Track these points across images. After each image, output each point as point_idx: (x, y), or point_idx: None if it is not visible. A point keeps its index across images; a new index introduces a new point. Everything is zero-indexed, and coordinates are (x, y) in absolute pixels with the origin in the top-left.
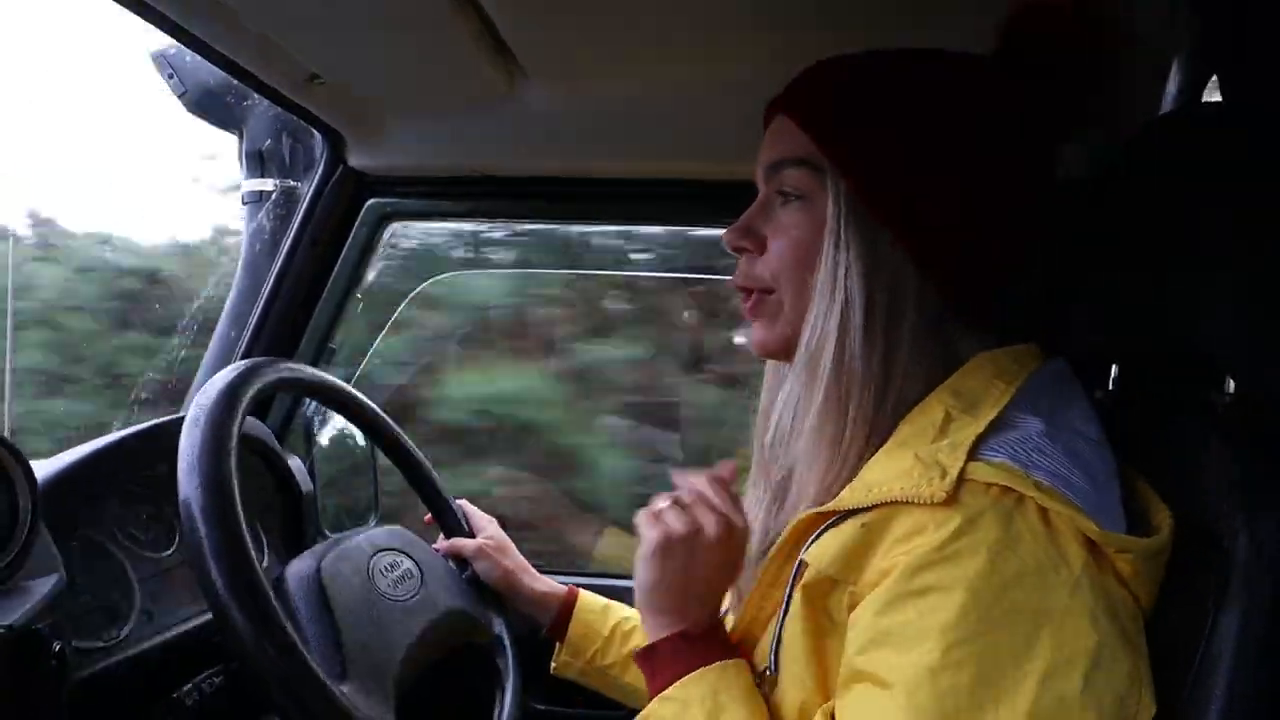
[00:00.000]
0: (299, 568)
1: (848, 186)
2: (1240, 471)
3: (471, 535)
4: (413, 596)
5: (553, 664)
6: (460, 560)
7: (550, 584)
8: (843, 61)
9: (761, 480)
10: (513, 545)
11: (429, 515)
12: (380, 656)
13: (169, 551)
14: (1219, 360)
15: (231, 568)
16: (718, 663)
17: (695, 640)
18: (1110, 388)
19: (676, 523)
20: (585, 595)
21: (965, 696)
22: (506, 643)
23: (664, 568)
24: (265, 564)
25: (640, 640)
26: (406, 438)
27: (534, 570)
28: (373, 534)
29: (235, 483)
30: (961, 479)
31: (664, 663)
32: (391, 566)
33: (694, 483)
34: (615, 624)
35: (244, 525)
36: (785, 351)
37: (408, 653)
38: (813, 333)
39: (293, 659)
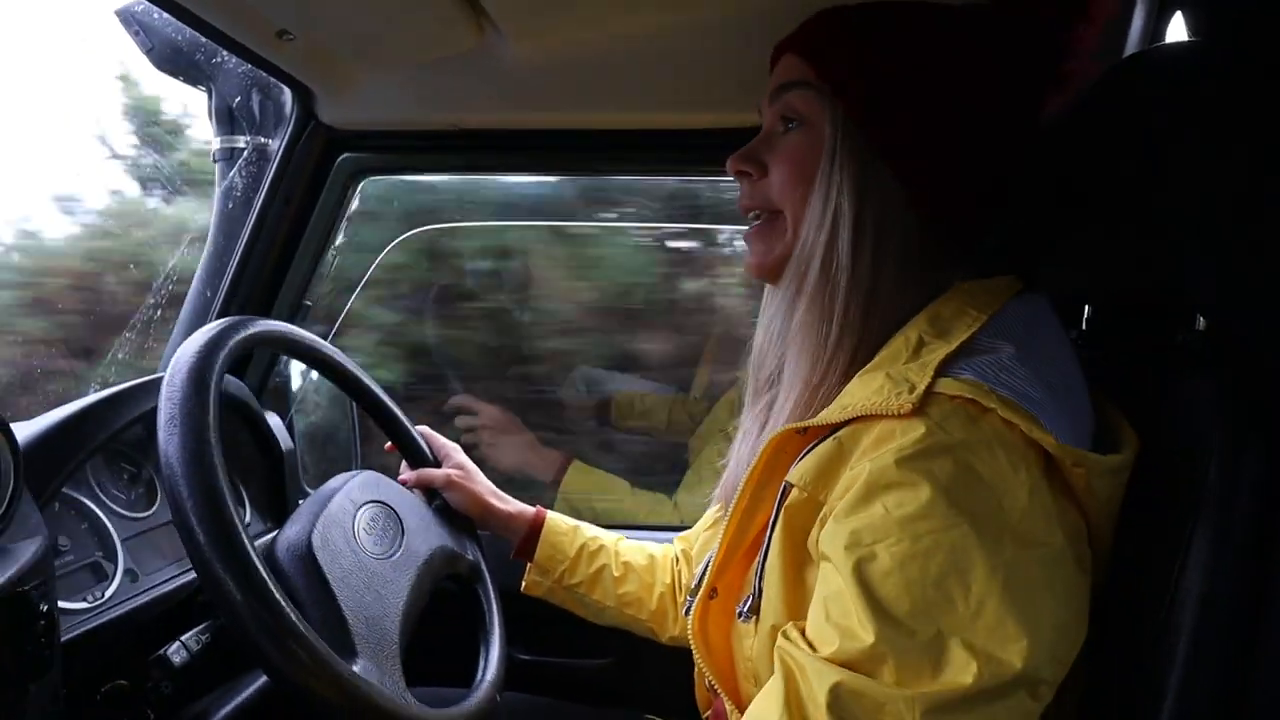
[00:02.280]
0: (288, 541)
1: (844, 107)
2: (1210, 404)
3: (437, 463)
4: (397, 550)
5: (523, 583)
6: (428, 490)
7: (519, 505)
8: (847, 8)
9: (755, 402)
10: (478, 469)
11: (390, 444)
12: (382, 624)
13: (151, 511)
14: (1189, 298)
15: (214, 527)
16: None
17: None
18: (1084, 328)
19: None
20: (553, 516)
21: (933, 587)
22: (483, 568)
23: None
24: (248, 521)
25: (606, 561)
26: (384, 393)
27: (501, 492)
28: (349, 488)
29: (216, 439)
30: (929, 393)
31: None
32: (373, 521)
33: None
34: (582, 544)
35: (225, 483)
36: (777, 273)
37: (405, 611)
38: (803, 244)
39: (302, 643)
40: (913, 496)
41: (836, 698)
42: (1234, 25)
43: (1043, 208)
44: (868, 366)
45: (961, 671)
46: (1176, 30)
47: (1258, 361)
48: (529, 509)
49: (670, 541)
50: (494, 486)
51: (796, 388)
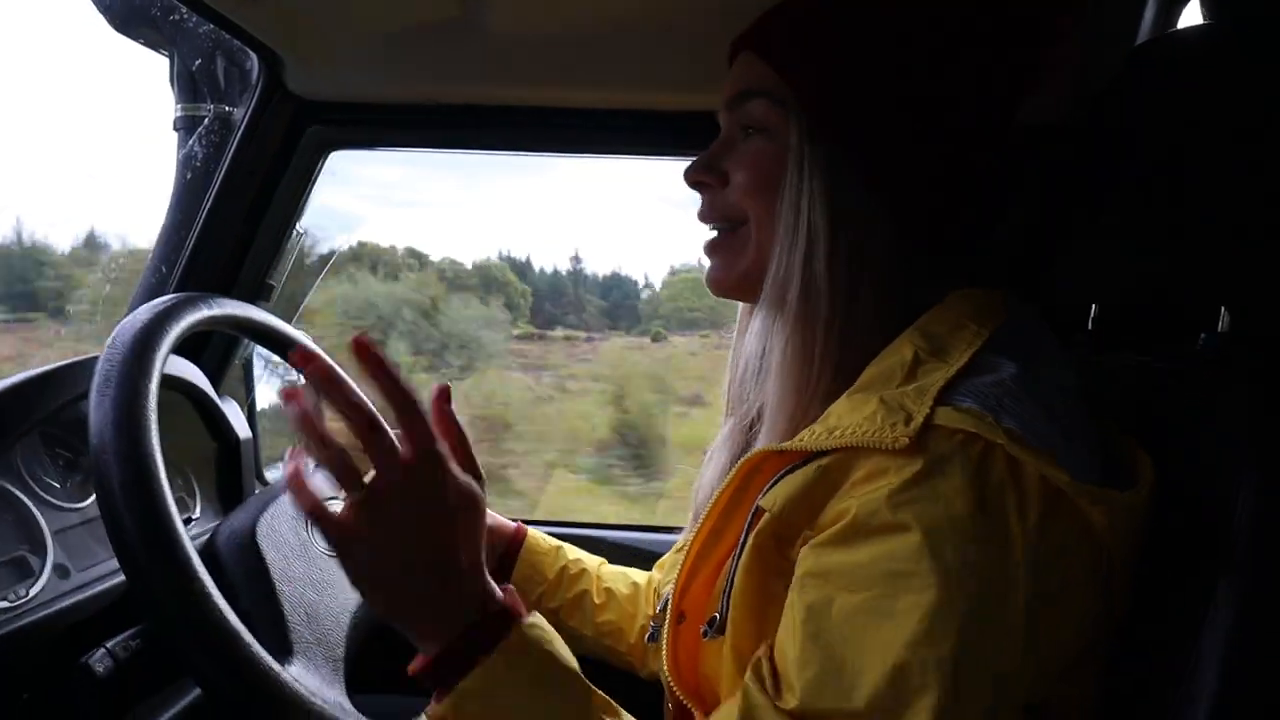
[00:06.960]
0: (231, 528)
1: (810, 117)
2: (1239, 423)
3: None
4: None
5: None
6: None
7: (498, 518)
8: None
9: (730, 419)
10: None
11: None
12: (325, 624)
13: (87, 501)
14: (1214, 295)
15: (144, 518)
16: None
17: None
18: (1090, 328)
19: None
20: (534, 534)
21: (903, 650)
22: None
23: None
24: (197, 515)
25: (587, 586)
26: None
27: None
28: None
29: (153, 424)
30: (928, 425)
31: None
32: None
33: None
34: (563, 566)
35: (162, 470)
36: (742, 290)
37: (355, 613)
38: (778, 267)
39: (227, 636)
40: (901, 548)
41: None
42: (1254, 5)
43: (1051, 207)
44: (856, 385)
45: None
46: (1191, 15)
47: None
48: (508, 523)
49: (656, 552)
50: None
51: (780, 421)
